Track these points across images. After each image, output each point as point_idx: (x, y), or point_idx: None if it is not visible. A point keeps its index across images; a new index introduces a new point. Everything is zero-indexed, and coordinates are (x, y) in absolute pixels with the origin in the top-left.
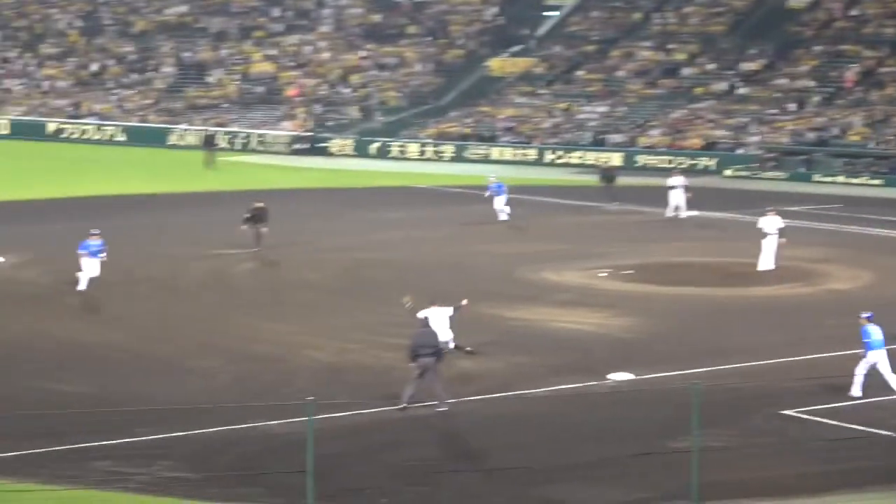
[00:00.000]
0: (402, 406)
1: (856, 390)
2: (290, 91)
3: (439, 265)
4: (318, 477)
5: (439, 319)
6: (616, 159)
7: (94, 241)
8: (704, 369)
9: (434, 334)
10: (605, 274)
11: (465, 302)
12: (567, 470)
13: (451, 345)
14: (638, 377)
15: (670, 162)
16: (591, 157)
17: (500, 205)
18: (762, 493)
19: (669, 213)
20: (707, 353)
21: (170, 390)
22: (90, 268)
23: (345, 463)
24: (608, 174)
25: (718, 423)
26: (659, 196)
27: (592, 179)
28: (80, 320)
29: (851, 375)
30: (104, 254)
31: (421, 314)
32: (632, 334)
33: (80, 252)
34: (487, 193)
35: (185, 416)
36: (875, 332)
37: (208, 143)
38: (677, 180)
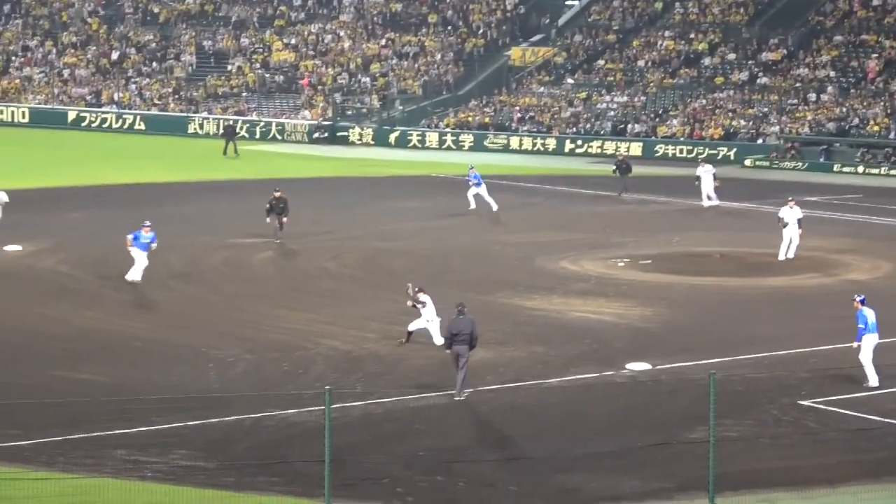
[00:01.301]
0: (456, 398)
1: (873, 380)
2: (303, 80)
3: (458, 254)
4: (334, 466)
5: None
6: (635, 149)
7: (147, 234)
8: (722, 359)
9: (469, 322)
10: (624, 263)
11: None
12: (583, 460)
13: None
14: (655, 367)
15: (690, 152)
16: (610, 146)
17: (483, 194)
18: (779, 483)
19: (706, 202)
20: (725, 343)
21: (187, 379)
22: (140, 259)
23: (361, 452)
24: (623, 165)
25: (736, 413)
26: (677, 186)
27: (609, 169)
28: (98, 309)
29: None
30: (154, 245)
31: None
32: (650, 324)
33: (129, 241)
34: (471, 185)
35: (202, 405)
36: (870, 316)
37: (229, 132)
38: (705, 169)
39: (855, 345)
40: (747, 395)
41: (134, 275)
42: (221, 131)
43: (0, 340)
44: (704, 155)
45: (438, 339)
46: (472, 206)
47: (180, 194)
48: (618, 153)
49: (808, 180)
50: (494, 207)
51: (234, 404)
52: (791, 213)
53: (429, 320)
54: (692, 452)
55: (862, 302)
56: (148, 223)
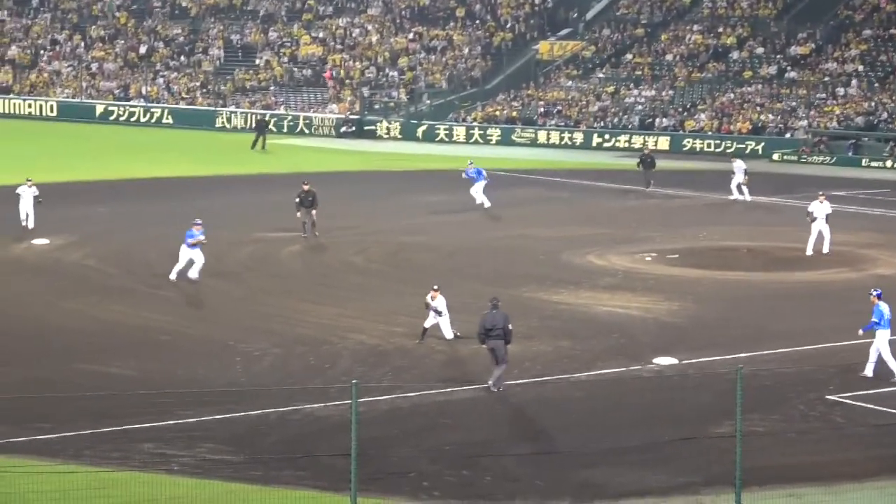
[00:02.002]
0: (491, 388)
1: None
2: (326, 74)
3: (484, 249)
4: (360, 460)
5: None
6: (663, 143)
7: (196, 231)
8: (749, 354)
9: (503, 316)
10: (651, 258)
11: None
12: (610, 454)
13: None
14: (682, 362)
15: (718, 146)
16: (637, 141)
17: (479, 191)
18: (806, 478)
19: (747, 197)
20: (752, 338)
21: (214, 373)
22: (186, 255)
23: (387, 446)
24: (648, 159)
25: (763, 408)
26: (705, 180)
27: (633, 163)
28: (125, 302)
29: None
30: (203, 238)
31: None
32: (677, 319)
33: (190, 241)
34: (470, 177)
35: (228, 399)
36: (885, 311)
37: (260, 126)
38: (737, 165)
39: (860, 332)
40: (774, 389)
41: (190, 270)
42: (254, 125)
43: (27, 334)
44: (733, 150)
45: (449, 334)
46: (484, 202)
47: (207, 188)
48: (644, 147)
49: (836, 175)
50: (487, 205)
51: (261, 398)
52: (821, 208)
53: (441, 313)
54: (718, 447)
55: (878, 296)
56: (199, 220)
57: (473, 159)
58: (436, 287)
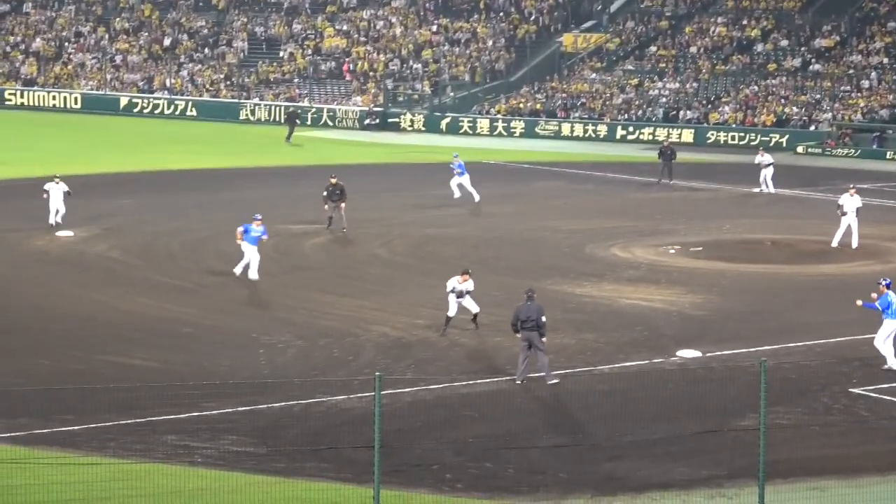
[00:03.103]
0: (516, 379)
1: (892, 361)
2: (344, 66)
3: (508, 241)
4: (384, 452)
5: (459, 288)
6: (687, 136)
7: (257, 227)
8: (773, 347)
9: (537, 308)
10: (675, 251)
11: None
12: (633, 447)
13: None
14: (706, 355)
15: (742, 139)
16: (661, 133)
17: (466, 184)
18: (829, 471)
19: (771, 189)
20: (776, 331)
21: (237, 364)
22: (249, 253)
23: (411, 438)
24: (668, 151)
25: (786, 401)
26: (729, 173)
27: (652, 156)
28: (149, 294)
29: None
30: (265, 237)
31: (455, 286)
32: (700, 311)
33: (239, 234)
34: (455, 173)
35: (252, 391)
36: (894, 301)
37: (291, 119)
38: (764, 158)
39: (858, 303)
40: (798, 382)
41: (249, 271)
42: (285, 117)
43: (52, 326)
44: (757, 141)
45: (475, 307)
46: (457, 195)
47: (231, 180)
48: (665, 139)
49: (860, 167)
50: (476, 198)
51: (284, 390)
52: (851, 202)
53: (464, 293)
54: (742, 440)
55: (888, 286)
56: (258, 216)
57: (459, 151)
58: (469, 271)
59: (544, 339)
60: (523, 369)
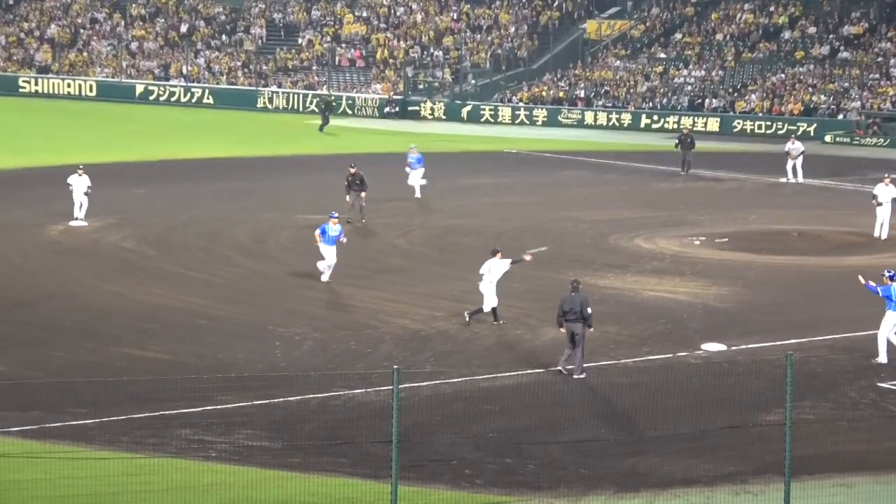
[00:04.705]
0: (559, 370)
1: (882, 356)
2: (356, 53)
3: (530, 231)
4: (402, 447)
5: (497, 272)
6: (713, 124)
7: (334, 227)
8: (799, 340)
9: (581, 299)
10: (699, 242)
11: (528, 257)
12: (656, 442)
13: (486, 308)
14: (731, 348)
15: (769, 128)
16: (686, 122)
17: (417, 179)
18: (857, 467)
19: (799, 178)
20: (803, 324)
21: (253, 357)
22: (328, 255)
23: (429, 433)
24: (687, 139)
25: (813, 395)
26: (755, 162)
27: (670, 145)
28: (163, 285)
29: None
30: (343, 239)
31: (482, 269)
32: (726, 304)
33: (318, 236)
34: (408, 169)
35: (268, 384)
36: None
37: (326, 108)
38: (795, 146)
39: (861, 280)
40: (825, 376)
41: (324, 273)
42: (323, 106)
43: (65, 317)
44: (784, 130)
45: (493, 300)
46: (418, 193)
47: (248, 169)
48: (685, 128)
49: (889, 157)
50: (417, 195)
51: (301, 383)
52: (886, 191)
53: (491, 281)
54: (768, 435)
55: (891, 278)
56: (336, 214)
57: (417, 143)
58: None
59: (591, 329)
60: (565, 359)
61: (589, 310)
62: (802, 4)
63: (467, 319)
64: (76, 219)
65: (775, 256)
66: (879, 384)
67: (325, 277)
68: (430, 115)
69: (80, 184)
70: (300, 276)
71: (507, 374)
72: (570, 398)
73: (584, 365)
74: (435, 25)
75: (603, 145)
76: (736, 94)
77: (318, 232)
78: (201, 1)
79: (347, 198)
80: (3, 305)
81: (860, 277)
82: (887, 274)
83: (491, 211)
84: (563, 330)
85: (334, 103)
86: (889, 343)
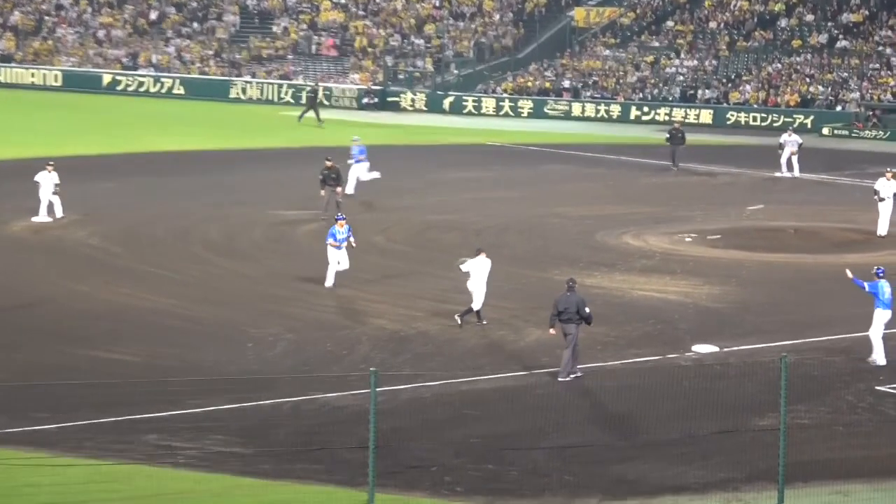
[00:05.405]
0: (562, 378)
1: (880, 358)
2: (329, 42)
3: (514, 228)
4: (379, 453)
5: (481, 271)
6: (705, 116)
7: (341, 229)
8: (795, 342)
9: (577, 299)
10: (691, 239)
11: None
12: (645, 448)
13: (476, 306)
14: (723, 350)
15: (764, 119)
16: (678, 114)
17: (362, 172)
18: (854, 474)
19: (796, 172)
20: (798, 325)
21: (224, 359)
22: (335, 259)
23: (408, 438)
24: (678, 134)
25: (809, 399)
26: (750, 156)
27: (661, 138)
28: (131, 284)
29: None
30: (352, 239)
31: (465, 266)
32: (718, 304)
33: (332, 242)
34: (351, 161)
35: (239, 387)
36: (886, 291)
37: (311, 99)
38: (792, 139)
39: (849, 274)
40: (821, 379)
41: (328, 280)
42: (312, 95)
43: (27, 317)
44: (780, 122)
45: (477, 303)
46: (351, 191)
47: (220, 163)
48: (672, 120)
49: (890, 150)
50: (351, 191)
51: (274, 387)
52: (888, 186)
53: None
54: (761, 441)
55: (879, 274)
56: (341, 216)
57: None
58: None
59: (590, 324)
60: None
61: (587, 309)
62: None
63: (459, 322)
64: (48, 219)
65: (770, 254)
66: (878, 388)
67: (329, 283)
68: (410, 106)
69: (48, 181)
70: (274, 274)
71: (490, 376)
72: (555, 402)
73: (576, 366)
74: (416, 13)
75: (591, 138)
76: (730, 85)
77: (329, 239)
78: None
79: (322, 192)
80: None
81: (847, 271)
82: (875, 270)
83: (473, 206)
84: (553, 331)
85: (320, 94)
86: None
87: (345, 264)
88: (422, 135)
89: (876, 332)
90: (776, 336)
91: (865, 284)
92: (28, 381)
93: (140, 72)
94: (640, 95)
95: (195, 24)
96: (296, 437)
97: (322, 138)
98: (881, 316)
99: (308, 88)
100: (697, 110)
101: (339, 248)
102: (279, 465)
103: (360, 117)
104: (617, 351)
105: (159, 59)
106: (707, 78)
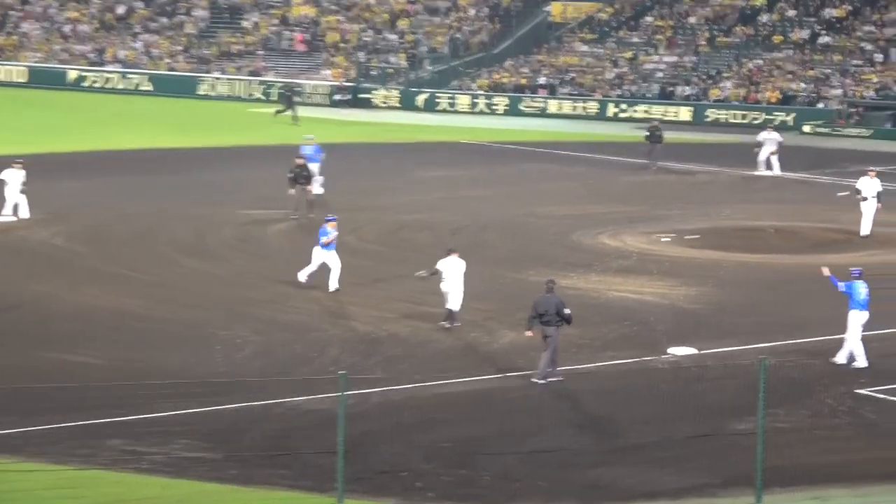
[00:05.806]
0: (539, 381)
1: (861, 360)
2: (298, 37)
3: (489, 228)
4: (349, 458)
5: (455, 272)
6: (685, 113)
7: (331, 229)
8: (773, 344)
9: (557, 301)
10: (668, 239)
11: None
12: (620, 452)
13: (455, 307)
14: (701, 352)
15: (744, 117)
16: (657, 111)
17: (317, 176)
18: (833, 479)
19: (776, 171)
20: (777, 327)
21: (191, 362)
22: (319, 258)
23: (378, 443)
24: (657, 132)
25: (787, 402)
26: (729, 154)
27: (639, 136)
28: (96, 285)
29: None
30: (332, 242)
31: (439, 264)
32: (695, 305)
33: (322, 240)
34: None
35: (206, 391)
36: (862, 292)
37: (287, 97)
38: (771, 136)
39: (826, 272)
40: (800, 382)
41: (330, 280)
42: (289, 93)
43: None
44: (761, 120)
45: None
46: (318, 191)
47: (188, 161)
48: (651, 118)
49: (873, 149)
50: (315, 192)
51: (242, 390)
52: (870, 185)
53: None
54: (739, 445)
55: (855, 275)
56: (331, 217)
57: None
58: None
59: (570, 324)
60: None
61: (567, 310)
62: None
63: (447, 327)
64: (14, 218)
65: (749, 254)
66: (858, 391)
67: (333, 285)
68: (383, 103)
69: (14, 178)
70: (243, 275)
71: (462, 379)
72: (528, 405)
73: (549, 371)
74: (389, 7)
75: (567, 136)
76: (710, 81)
77: (322, 238)
78: None
79: (292, 191)
80: None
81: (825, 269)
82: (854, 271)
83: (447, 206)
84: (529, 333)
85: (296, 90)
86: (846, 342)
87: (336, 265)
88: (395, 132)
89: (853, 335)
90: (754, 338)
91: (841, 284)
92: None
93: (107, 68)
94: (618, 92)
95: (163, 19)
96: (264, 442)
97: (291, 136)
98: (857, 317)
99: (281, 85)
100: (676, 107)
101: (326, 247)
102: (247, 471)
103: (332, 114)
104: (593, 353)
105: (127, 54)
106: (686, 74)
